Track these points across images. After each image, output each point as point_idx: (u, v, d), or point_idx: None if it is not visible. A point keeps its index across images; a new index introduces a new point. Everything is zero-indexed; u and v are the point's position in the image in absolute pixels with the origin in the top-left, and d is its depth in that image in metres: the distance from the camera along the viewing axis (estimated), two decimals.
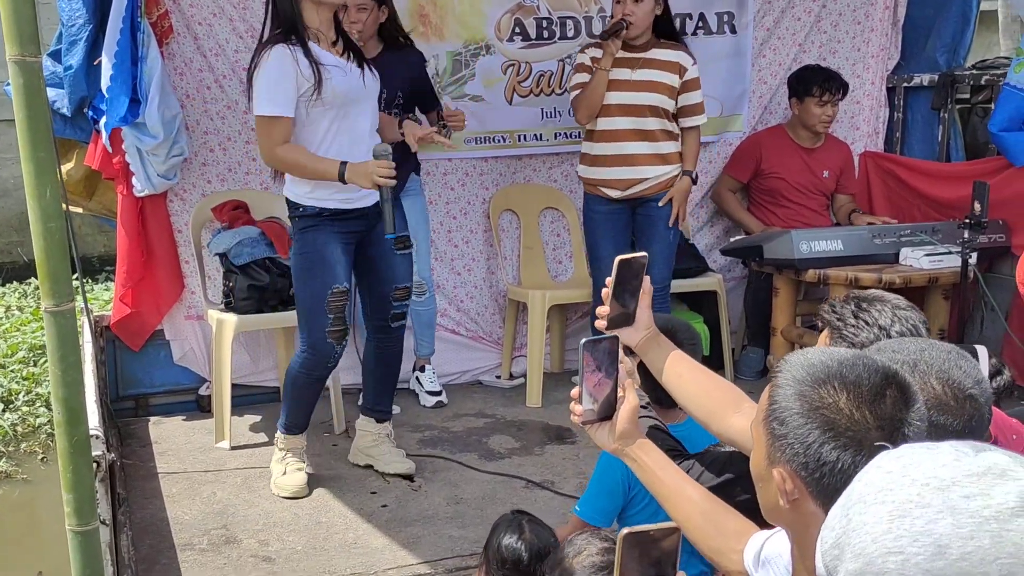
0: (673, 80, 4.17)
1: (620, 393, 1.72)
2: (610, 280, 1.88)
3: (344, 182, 3.28)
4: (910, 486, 0.92)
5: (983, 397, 1.57)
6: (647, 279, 1.93)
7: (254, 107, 3.35)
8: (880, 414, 1.26)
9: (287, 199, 3.49)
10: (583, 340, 1.66)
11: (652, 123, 4.20)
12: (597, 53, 4.19)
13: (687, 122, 4.25)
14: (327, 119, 3.33)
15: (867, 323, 2.01)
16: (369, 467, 3.77)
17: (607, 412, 1.71)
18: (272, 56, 3.25)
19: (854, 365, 1.30)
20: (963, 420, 1.53)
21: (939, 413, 1.52)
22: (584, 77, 4.20)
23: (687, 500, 1.67)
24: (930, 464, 0.93)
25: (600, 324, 1.90)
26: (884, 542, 0.90)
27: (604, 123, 4.21)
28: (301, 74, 3.25)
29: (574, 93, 4.24)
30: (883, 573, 0.90)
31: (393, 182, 3.29)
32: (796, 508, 1.32)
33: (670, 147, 4.25)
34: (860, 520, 0.93)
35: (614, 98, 4.17)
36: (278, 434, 3.65)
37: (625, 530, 1.35)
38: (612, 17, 4.17)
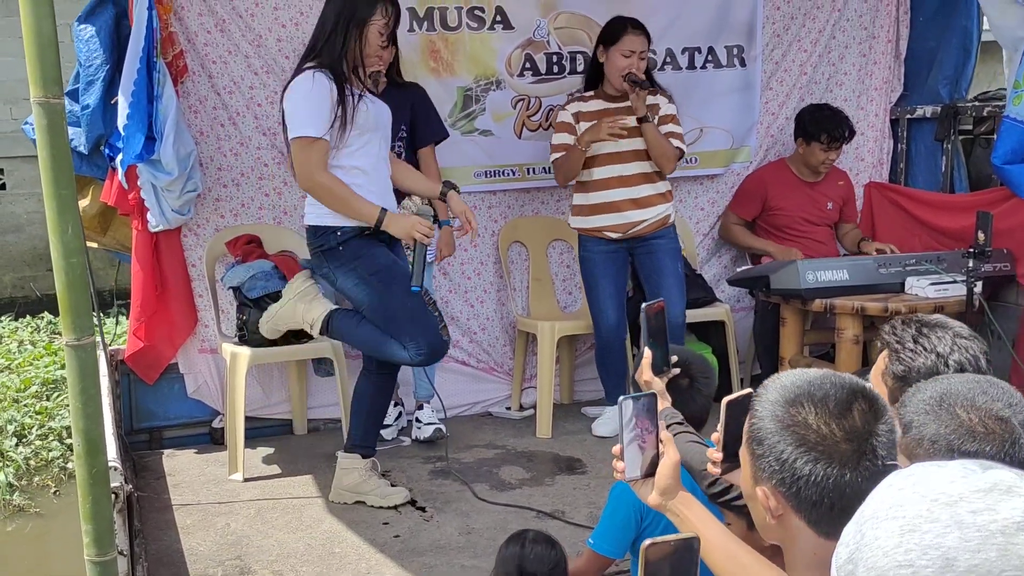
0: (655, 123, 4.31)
1: (661, 449, 1.74)
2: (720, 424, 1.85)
3: (379, 228, 3.44)
4: (920, 502, 0.95)
5: (1018, 418, 1.55)
6: (667, 430, 1.90)
7: (292, 130, 3.42)
8: (847, 427, 1.35)
9: (314, 226, 3.51)
10: (621, 397, 1.70)
11: (639, 167, 4.34)
12: (579, 107, 4.34)
13: None
14: (355, 145, 3.46)
15: (925, 348, 2.01)
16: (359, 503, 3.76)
17: (650, 468, 1.74)
18: (314, 80, 3.36)
19: (822, 383, 1.39)
20: (996, 444, 1.52)
21: (969, 441, 1.52)
22: (566, 138, 4.33)
23: (730, 557, 1.67)
24: (939, 481, 0.97)
25: (713, 470, 1.89)
26: (895, 556, 0.94)
27: (594, 173, 4.35)
28: (335, 105, 3.38)
29: (554, 156, 4.36)
30: None
31: (429, 240, 3.47)
32: (782, 524, 1.41)
33: (662, 186, 4.39)
34: (873, 535, 0.97)
35: (601, 148, 4.30)
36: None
37: (647, 541, 1.39)
38: (623, 70, 4.24)
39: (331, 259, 3.51)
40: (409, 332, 3.48)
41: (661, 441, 1.74)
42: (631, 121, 4.21)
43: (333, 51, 3.41)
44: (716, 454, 1.83)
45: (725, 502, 2.14)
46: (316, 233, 3.53)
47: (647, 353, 2.33)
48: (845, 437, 1.35)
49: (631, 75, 4.19)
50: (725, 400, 1.81)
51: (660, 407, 2.33)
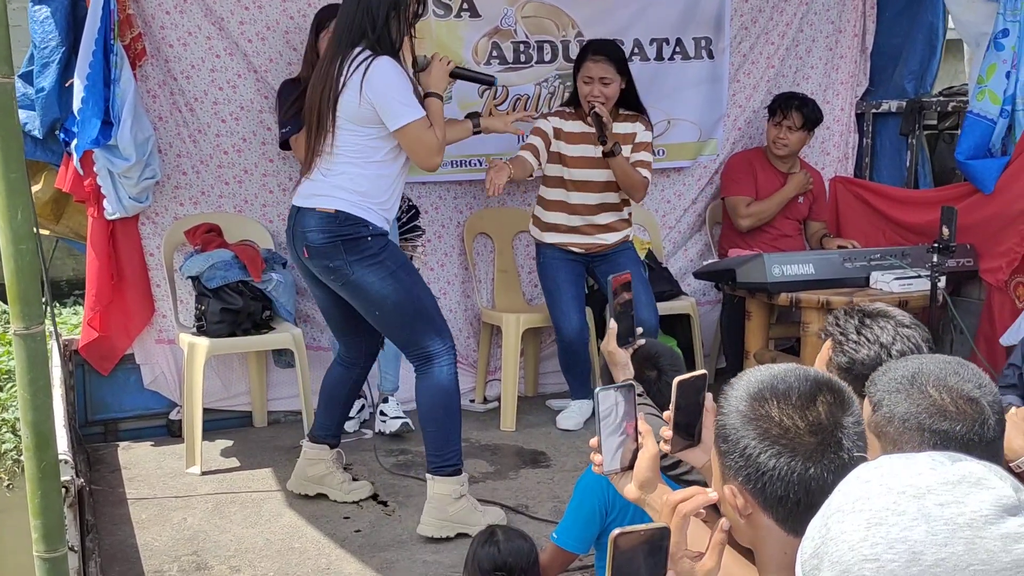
0: (627, 151, 4.30)
1: (640, 440, 1.70)
2: (671, 408, 1.84)
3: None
4: (886, 495, 0.93)
5: (987, 399, 1.56)
6: (708, 396, 1.87)
7: (402, 116, 3.31)
8: (812, 420, 1.32)
9: (342, 213, 3.32)
10: (598, 388, 1.65)
11: (608, 197, 4.36)
12: (560, 124, 4.35)
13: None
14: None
15: (868, 340, 2.00)
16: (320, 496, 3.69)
17: (628, 461, 1.71)
18: (388, 65, 3.30)
19: (786, 377, 1.37)
20: (967, 424, 1.53)
21: (940, 420, 1.53)
22: (536, 140, 4.33)
23: None
24: (906, 473, 0.94)
25: (664, 448, 1.86)
26: (861, 550, 0.91)
27: (560, 195, 4.37)
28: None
29: (519, 154, 4.31)
30: None
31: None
32: (752, 523, 1.38)
33: (625, 212, 4.44)
34: (838, 529, 0.94)
35: (573, 174, 4.33)
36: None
37: (616, 531, 1.34)
38: (586, 98, 4.23)
39: (353, 250, 3.32)
40: (437, 326, 3.41)
41: (640, 433, 1.69)
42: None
43: (391, 39, 3.36)
44: (667, 432, 1.83)
45: (676, 476, 2.14)
46: (342, 221, 3.32)
47: (612, 324, 2.35)
48: (809, 430, 1.33)
49: (594, 112, 4.15)
50: (676, 380, 1.80)
51: (621, 377, 2.36)
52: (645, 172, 4.31)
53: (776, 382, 1.37)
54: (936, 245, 3.93)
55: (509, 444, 4.34)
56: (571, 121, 4.37)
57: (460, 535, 3.36)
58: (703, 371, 1.87)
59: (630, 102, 4.36)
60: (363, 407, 4.48)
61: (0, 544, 4.53)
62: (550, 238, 4.41)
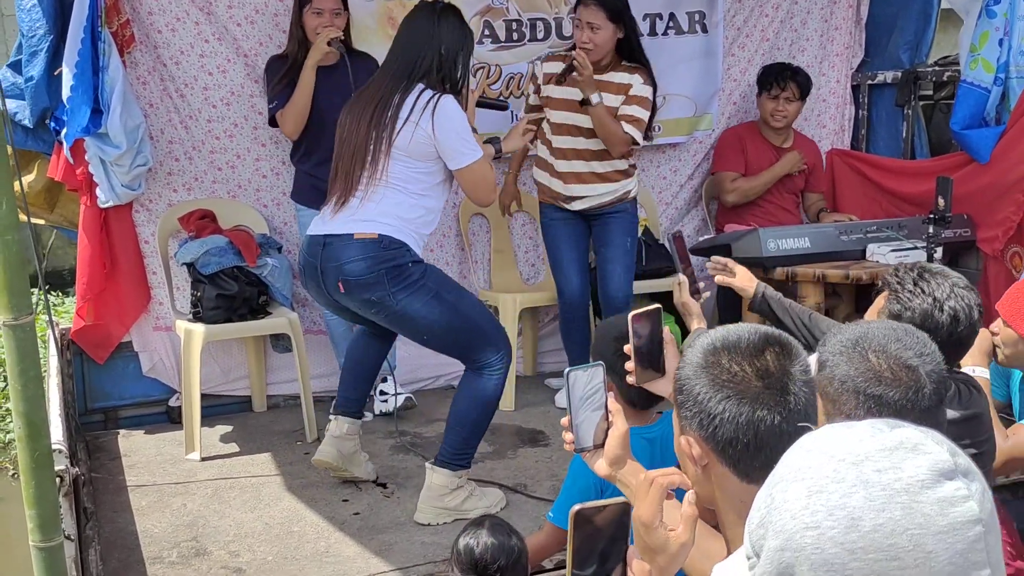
0: (617, 102, 4.14)
1: (610, 419, 1.74)
2: (630, 340, 1.97)
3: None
4: (827, 462, 0.94)
5: (926, 368, 1.62)
6: (666, 329, 2.03)
7: (464, 158, 3.31)
8: (759, 367, 1.39)
9: (389, 238, 3.25)
10: (567, 370, 1.68)
11: (595, 143, 4.21)
12: (553, 68, 4.24)
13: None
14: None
15: (923, 291, 2.09)
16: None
17: (599, 439, 1.74)
18: (454, 105, 3.28)
19: (738, 331, 1.45)
20: (901, 390, 1.60)
21: (875, 384, 1.61)
22: (533, 100, 4.33)
23: None
24: (846, 440, 0.96)
25: (631, 380, 1.99)
26: (802, 518, 0.93)
27: (558, 141, 4.26)
28: None
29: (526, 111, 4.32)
30: (801, 548, 0.92)
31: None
32: (708, 474, 1.44)
33: (622, 164, 4.25)
34: (782, 498, 0.95)
35: (566, 118, 4.22)
36: (458, 474, 3.39)
37: (576, 507, 1.34)
38: (575, 42, 4.14)
39: (396, 278, 3.24)
40: (490, 338, 3.36)
41: (610, 411, 1.72)
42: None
43: (455, 79, 3.36)
44: (630, 365, 1.94)
45: None
46: (386, 246, 3.24)
47: (682, 279, 2.62)
48: (756, 375, 1.38)
49: (573, 59, 4.05)
50: (631, 314, 1.91)
51: (696, 326, 2.66)
52: (629, 127, 4.12)
53: (728, 335, 1.44)
54: (932, 216, 3.91)
55: (508, 423, 4.34)
56: (552, 62, 4.30)
57: (458, 519, 3.37)
58: (657, 305, 1.99)
59: (633, 55, 4.21)
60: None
61: (7, 532, 4.56)
62: (544, 178, 4.32)
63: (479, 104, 3.71)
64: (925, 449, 0.93)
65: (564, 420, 1.73)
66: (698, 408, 1.41)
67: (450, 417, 3.42)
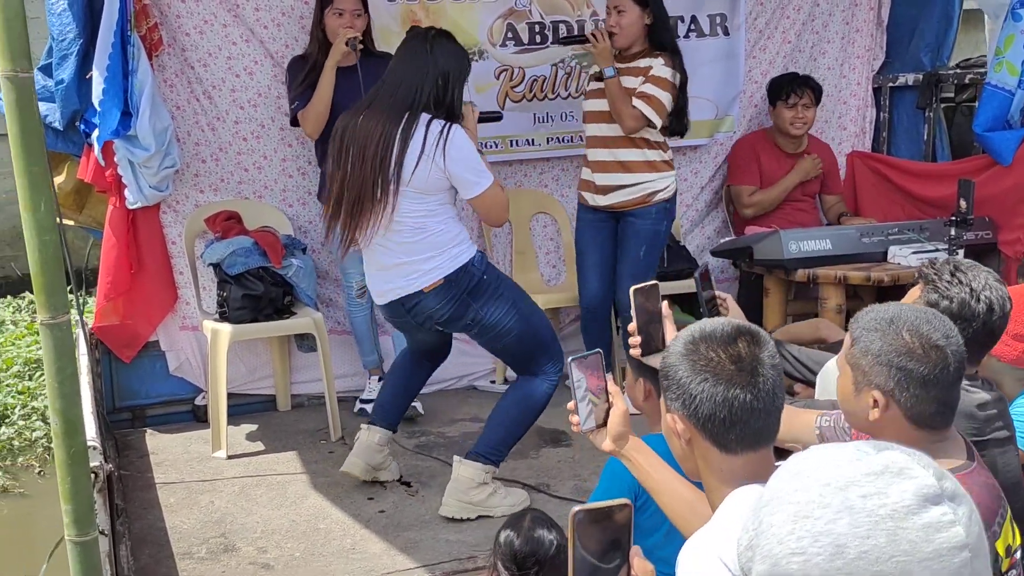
0: (637, 83, 4.16)
1: (610, 400, 1.93)
2: (633, 313, 2.14)
3: None
4: (813, 487, 0.94)
5: (950, 348, 1.77)
6: (664, 304, 2.18)
7: (477, 187, 3.31)
8: (732, 353, 1.58)
9: (455, 273, 3.30)
10: (570, 358, 1.88)
11: (617, 128, 4.22)
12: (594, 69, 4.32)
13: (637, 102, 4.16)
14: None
15: (960, 282, 2.18)
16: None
17: (602, 419, 1.92)
18: (463, 135, 3.29)
19: (715, 324, 1.63)
20: (929, 367, 1.75)
21: (907, 360, 1.75)
22: (595, 84, 4.31)
23: (676, 495, 1.88)
24: (832, 464, 0.95)
25: (635, 353, 2.16)
26: (788, 543, 0.93)
27: (588, 128, 4.33)
28: None
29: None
30: (787, 574, 0.92)
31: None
32: (692, 447, 1.61)
33: (651, 155, 4.25)
34: (769, 522, 0.95)
35: (595, 105, 4.26)
36: (486, 467, 3.43)
37: (576, 508, 1.38)
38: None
39: (478, 296, 3.33)
40: (551, 352, 3.46)
41: (610, 393, 1.92)
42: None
43: (455, 107, 3.35)
44: (635, 339, 2.14)
45: None
46: (455, 280, 3.31)
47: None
48: (730, 360, 1.57)
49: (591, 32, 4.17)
50: (632, 288, 2.10)
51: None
52: (642, 104, 4.11)
53: (706, 327, 1.63)
54: (954, 218, 3.92)
55: None
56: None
57: (481, 517, 3.41)
58: (655, 282, 2.18)
59: (663, 43, 4.22)
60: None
61: (34, 529, 4.62)
62: (580, 188, 4.40)
63: (482, 120, 3.71)
64: (911, 473, 0.93)
65: (570, 404, 1.92)
66: (681, 390, 1.59)
67: (494, 412, 3.51)
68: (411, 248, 3.31)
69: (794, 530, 0.92)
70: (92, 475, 2.58)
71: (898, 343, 1.77)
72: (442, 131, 3.24)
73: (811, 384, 2.88)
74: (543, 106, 4.79)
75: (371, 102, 3.34)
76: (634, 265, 4.30)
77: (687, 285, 4.69)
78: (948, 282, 2.19)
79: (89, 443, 2.57)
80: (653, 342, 2.16)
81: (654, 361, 2.15)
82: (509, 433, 3.45)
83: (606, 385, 1.92)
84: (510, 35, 4.70)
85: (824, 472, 0.95)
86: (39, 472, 4.98)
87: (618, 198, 4.28)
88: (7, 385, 5.85)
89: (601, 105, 4.22)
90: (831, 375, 2.20)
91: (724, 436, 1.57)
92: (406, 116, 3.25)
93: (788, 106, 4.82)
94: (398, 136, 3.23)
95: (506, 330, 3.39)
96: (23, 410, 5.59)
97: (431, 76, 3.28)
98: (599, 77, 4.24)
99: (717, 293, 2.59)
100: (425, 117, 3.26)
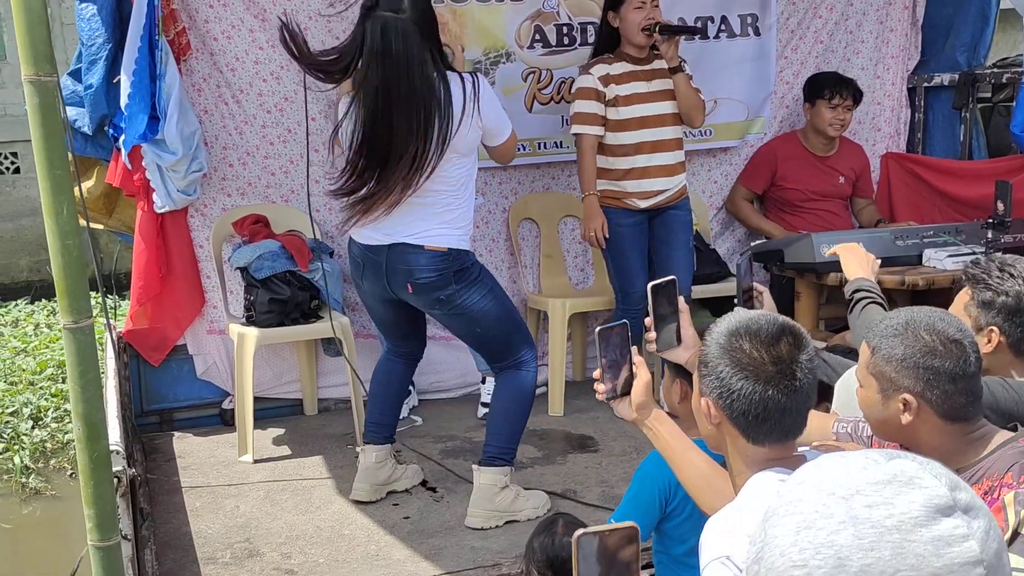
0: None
1: (634, 371, 2.00)
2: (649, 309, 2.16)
3: None
4: (816, 497, 0.89)
5: (967, 340, 1.85)
6: (681, 299, 2.20)
7: (506, 131, 3.43)
8: (775, 354, 1.62)
9: (454, 250, 3.33)
10: (597, 328, 1.95)
11: (670, 132, 4.21)
12: (606, 70, 4.16)
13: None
14: None
15: (1011, 275, 2.22)
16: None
17: (626, 389, 1.99)
18: (486, 83, 3.37)
19: (758, 319, 1.67)
20: (953, 360, 1.81)
21: (932, 358, 1.81)
22: (592, 106, 4.14)
23: (692, 465, 1.96)
24: (839, 473, 0.90)
25: (651, 348, 2.19)
26: (790, 555, 0.88)
27: (624, 137, 4.19)
28: None
29: (578, 128, 4.17)
30: None
31: None
32: (720, 431, 1.70)
33: (681, 155, 4.29)
34: (773, 534, 0.91)
35: (634, 111, 4.17)
36: (503, 469, 3.41)
37: (579, 531, 1.34)
38: (642, 23, 4.06)
39: (462, 279, 3.36)
40: (525, 336, 3.51)
41: (635, 363, 1.99)
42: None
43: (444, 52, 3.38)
44: (651, 335, 2.18)
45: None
46: (453, 257, 3.34)
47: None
48: (771, 361, 1.62)
49: (660, 24, 4.04)
50: (650, 285, 2.13)
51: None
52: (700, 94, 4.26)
53: (750, 322, 1.66)
54: (991, 220, 3.84)
55: (557, 429, 4.33)
56: (615, 64, 4.19)
57: (508, 522, 3.38)
58: (672, 277, 2.20)
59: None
60: (411, 393, 4.51)
61: (66, 531, 4.65)
62: (614, 186, 4.21)
63: (673, 30, 3.98)
64: (921, 483, 0.87)
65: (596, 372, 2.00)
66: (720, 383, 1.65)
67: (492, 415, 3.51)
68: (435, 212, 3.31)
69: (796, 541, 0.88)
70: (115, 480, 2.58)
71: (919, 344, 1.82)
72: (472, 84, 3.28)
73: None
74: (568, 108, 4.74)
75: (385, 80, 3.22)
76: (688, 255, 4.33)
77: (717, 289, 4.64)
78: (999, 278, 2.21)
79: (112, 447, 2.56)
80: (669, 337, 2.19)
81: (671, 356, 2.22)
82: (513, 429, 3.47)
83: (631, 356, 1.98)
84: (538, 37, 4.67)
85: (830, 481, 0.90)
86: (71, 474, 5.02)
87: (664, 196, 4.25)
88: (41, 388, 5.92)
89: (647, 110, 4.16)
90: (852, 387, 2.15)
91: (755, 430, 1.64)
92: (434, 76, 3.20)
93: (830, 106, 4.75)
94: (439, 99, 3.21)
95: (483, 316, 3.39)
96: (55, 412, 5.65)
97: (425, 36, 3.22)
98: (619, 81, 4.14)
99: (755, 284, 2.56)
100: (454, 75, 3.28)
